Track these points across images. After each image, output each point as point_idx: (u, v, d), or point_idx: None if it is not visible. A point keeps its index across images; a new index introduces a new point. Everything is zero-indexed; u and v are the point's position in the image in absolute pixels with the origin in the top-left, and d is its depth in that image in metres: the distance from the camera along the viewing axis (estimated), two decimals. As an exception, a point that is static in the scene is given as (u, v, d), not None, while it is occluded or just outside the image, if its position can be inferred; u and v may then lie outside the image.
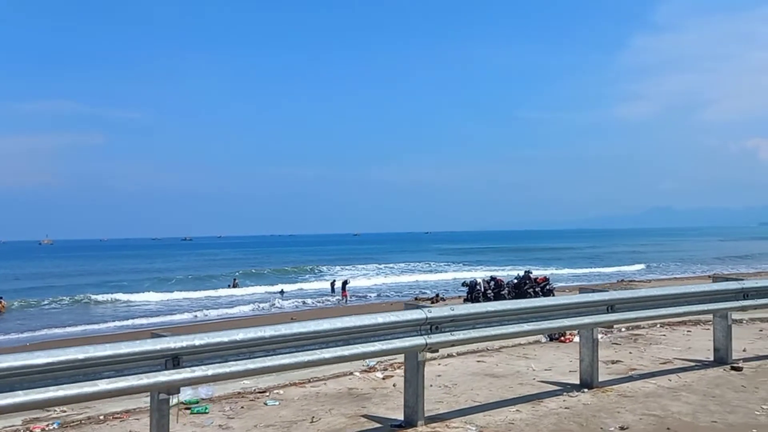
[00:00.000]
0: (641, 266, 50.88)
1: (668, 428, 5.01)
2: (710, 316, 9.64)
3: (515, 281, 23.87)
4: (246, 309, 30.35)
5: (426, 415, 5.28)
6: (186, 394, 5.89)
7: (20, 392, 3.34)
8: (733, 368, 6.95)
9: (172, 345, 3.83)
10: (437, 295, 29.39)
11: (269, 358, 4.20)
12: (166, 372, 3.83)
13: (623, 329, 9.59)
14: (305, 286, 43.04)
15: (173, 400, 4.68)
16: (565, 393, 6.05)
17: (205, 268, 61.37)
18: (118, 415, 5.52)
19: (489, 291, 23.99)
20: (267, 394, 6.20)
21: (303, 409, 5.67)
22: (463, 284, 25.67)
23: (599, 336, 8.81)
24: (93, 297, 35.68)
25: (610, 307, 6.10)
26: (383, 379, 6.79)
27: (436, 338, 4.99)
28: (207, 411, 5.59)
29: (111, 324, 25.83)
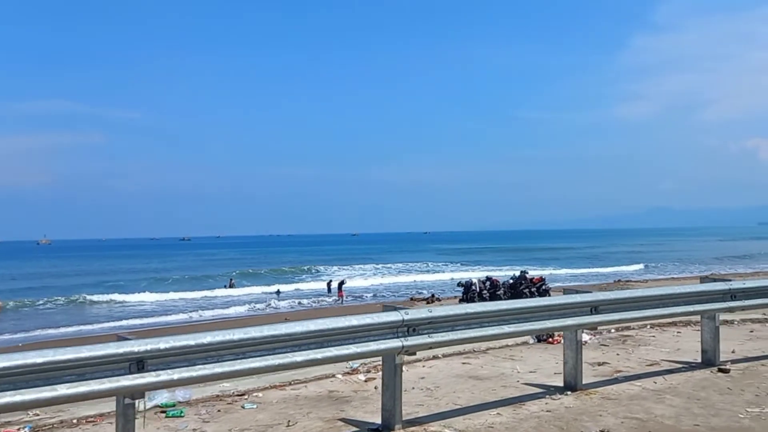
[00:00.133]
0: (640, 266, 50.85)
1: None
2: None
3: (511, 281, 23.82)
4: (242, 309, 30.26)
5: (405, 418, 5.19)
6: (162, 397, 5.81)
7: (-25, 397, 3.25)
8: (720, 370, 6.87)
9: (136, 348, 3.74)
10: (433, 296, 29.31)
11: (239, 361, 4.11)
12: (129, 376, 3.74)
13: (612, 330, 9.52)
14: (302, 286, 42.96)
15: (140, 405, 4.59)
16: (548, 396, 5.96)
17: (202, 269, 61.26)
18: (92, 419, 5.43)
19: (485, 291, 23.89)
20: (246, 397, 6.11)
21: (280, 412, 5.58)
22: (459, 284, 25.59)
23: (587, 337, 8.77)
24: (88, 297, 35.59)
25: (594, 308, 6.01)
26: (365, 381, 6.70)
27: (413, 341, 4.90)
28: (182, 414, 5.50)
29: (105, 324, 25.73)
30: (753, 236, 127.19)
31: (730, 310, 7.08)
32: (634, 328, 9.64)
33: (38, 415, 5.52)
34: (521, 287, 23.22)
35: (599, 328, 9.18)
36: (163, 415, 5.52)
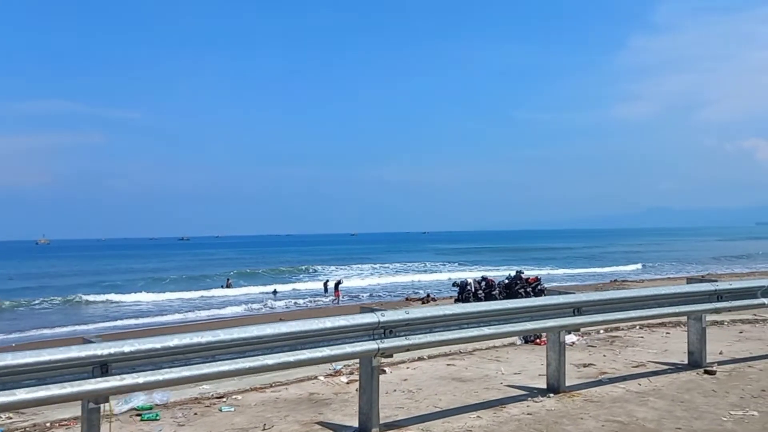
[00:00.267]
0: (637, 266, 50.80)
1: (629, 435, 4.86)
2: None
3: (506, 281, 23.75)
4: (238, 309, 30.19)
5: (384, 421, 5.13)
6: (139, 399, 5.74)
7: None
8: (706, 372, 6.79)
9: (99, 352, 3.66)
10: (428, 296, 29.25)
11: (207, 365, 4.03)
12: (92, 380, 3.66)
13: (601, 331, 9.45)
14: (299, 286, 42.90)
15: (116, 409, 4.52)
16: (530, 398, 5.89)
17: (200, 268, 61.17)
18: (66, 422, 5.35)
19: (480, 291, 23.84)
20: (224, 399, 6.04)
21: (258, 415, 5.51)
22: (454, 284, 25.53)
23: (575, 339, 8.70)
24: (84, 297, 35.54)
25: (577, 309, 5.94)
26: (347, 383, 6.63)
27: (389, 343, 4.82)
28: (158, 418, 5.42)
29: (99, 325, 25.68)
30: (751, 236, 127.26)
31: (717, 311, 7.00)
32: (622, 329, 9.57)
33: (11, 418, 5.45)
34: (516, 287, 23.15)
35: (588, 329, 9.12)
36: (139, 418, 5.45)
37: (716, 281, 7.08)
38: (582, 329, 8.97)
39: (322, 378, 6.81)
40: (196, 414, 5.57)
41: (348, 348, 4.64)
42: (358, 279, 47.00)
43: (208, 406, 5.82)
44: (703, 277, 7.44)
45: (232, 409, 5.69)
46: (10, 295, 37.61)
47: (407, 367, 7.35)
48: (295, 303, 32.16)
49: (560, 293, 6.03)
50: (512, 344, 8.62)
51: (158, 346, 3.84)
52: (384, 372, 7.05)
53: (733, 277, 33.24)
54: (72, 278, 52.23)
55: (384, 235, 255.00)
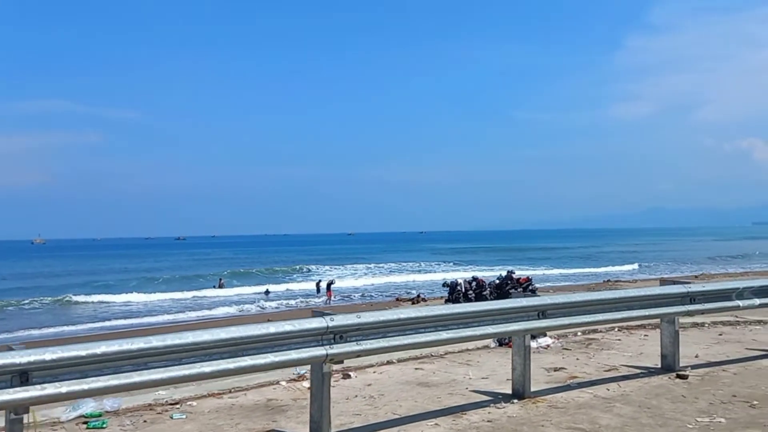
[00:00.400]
0: (634, 266, 50.65)
1: (589, 444, 4.69)
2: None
3: (497, 281, 23.58)
4: (229, 310, 29.99)
5: (336, 430, 4.96)
6: (88, 406, 5.55)
7: None
8: (678, 376, 6.62)
9: (18, 360, 3.48)
10: (418, 296, 29.10)
11: (138, 373, 3.85)
12: (11, 390, 3.48)
13: (578, 333, 9.27)
14: (292, 286, 42.73)
15: (69, 416, 4.33)
16: (493, 404, 5.72)
17: (194, 268, 60.95)
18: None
19: (470, 292, 23.65)
20: (178, 406, 5.85)
21: (209, 423, 5.32)
22: (444, 285, 25.28)
23: (550, 341, 8.54)
24: (74, 298, 35.32)
25: (542, 312, 5.77)
26: (309, 389, 6.43)
27: (338, 349, 4.64)
28: (104, 426, 5.23)
29: (87, 325, 25.48)
30: (747, 236, 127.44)
31: (689, 313, 6.84)
32: (600, 331, 9.41)
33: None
34: (507, 287, 23.00)
35: (564, 331, 8.96)
36: (85, 426, 5.26)
37: (689, 283, 6.91)
38: (558, 332, 8.82)
39: (284, 383, 6.63)
40: (145, 421, 5.39)
41: (294, 354, 4.46)
42: (352, 279, 46.82)
43: (159, 413, 5.63)
44: (675, 279, 7.28)
45: (184, 417, 5.50)
46: (1, 295, 37.40)
47: (374, 372, 7.17)
48: (286, 304, 31.99)
49: (525, 296, 5.85)
50: (486, 347, 8.45)
51: (83, 353, 3.66)
52: (349, 377, 6.89)
53: (727, 277, 33.12)
54: (65, 278, 52.00)
55: (381, 234, 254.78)
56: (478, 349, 8.37)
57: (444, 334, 5.17)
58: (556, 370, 7.10)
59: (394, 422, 5.27)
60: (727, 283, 7.32)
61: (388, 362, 7.58)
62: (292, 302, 32.55)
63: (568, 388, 6.28)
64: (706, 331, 9.58)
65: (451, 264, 60.72)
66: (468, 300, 22.19)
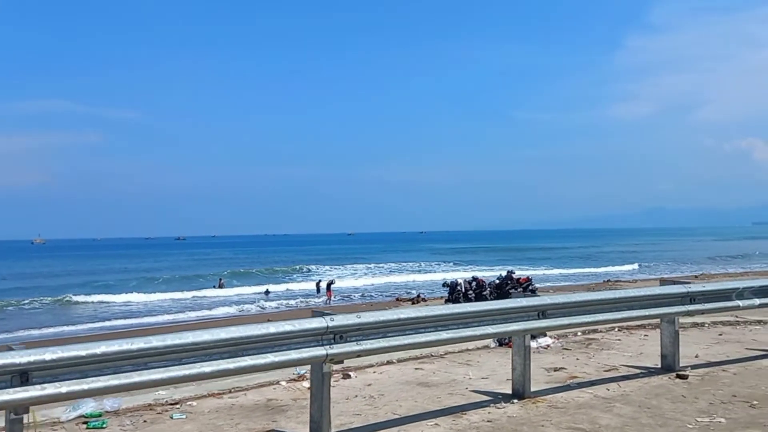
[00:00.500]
0: (634, 266, 50.59)
1: (589, 444, 4.69)
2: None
3: (497, 281, 23.57)
4: (229, 310, 29.98)
5: (336, 429, 4.96)
6: (89, 406, 5.55)
7: None
8: (678, 376, 6.62)
9: (18, 360, 3.48)
10: (419, 296, 29.11)
11: (138, 373, 3.85)
12: (11, 390, 3.48)
13: (579, 333, 9.27)
14: (292, 286, 42.72)
15: (69, 416, 4.33)
16: (493, 404, 5.71)
17: (193, 268, 60.93)
18: None
19: (470, 292, 23.65)
20: (178, 406, 5.85)
21: (209, 423, 5.32)
22: (444, 285, 25.30)
23: (550, 341, 8.54)
24: (74, 298, 35.31)
25: (542, 312, 5.77)
26: (309, 389, 6.43)
27: (339, 349, 4.64)
28: (104, 426, 5.23)
29: (87, 326, 25.47)
30: (748, 236, 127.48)
31: (689, 313, 6.84)
32: (600, 331, 9.41)
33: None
34: (507, 287, 23.00)
35: (564, 331, 8.96)
36: (85, 426, 5.26)
37: (689, 283, 6.90)
38: (558, 332, 8.82)
39: (284, 383, 6.62)
40: (145, 421, 5.39)
41: (294, 354, 4.46)
42: (352, 279, 46.82)
43: (159, 413, 5.63)
44: (675, 279, 7.28)
45: (184, 417, 5.50)
46: (1, 295, 37.39)
47: (374, 372, 7.17)
48: (286, 304, 31.98)
49: (525, 296, 5.85)
50: (486, 347, 8.45)
51: (83, 353, 3.66)
52: (349, 377, 6.89)
53: (727, 277, 33.11)
54: (65, 278, 52.00)
55: (381, 235, 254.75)
56: (478, 349, 8.37)
57: (444, 334, 5.17)
58: (556, 370, 7.10)
59: (394, 422, 5.26)
60: (727, 283, 7.32)
61: (388, 362, 7.58)
62: (292, 302, 32.53)
63: (568, 388, 6.28)
64: (706, 331, 9.58)
65: (451, 264, 60.71)
66: (468, 300, 22.17)
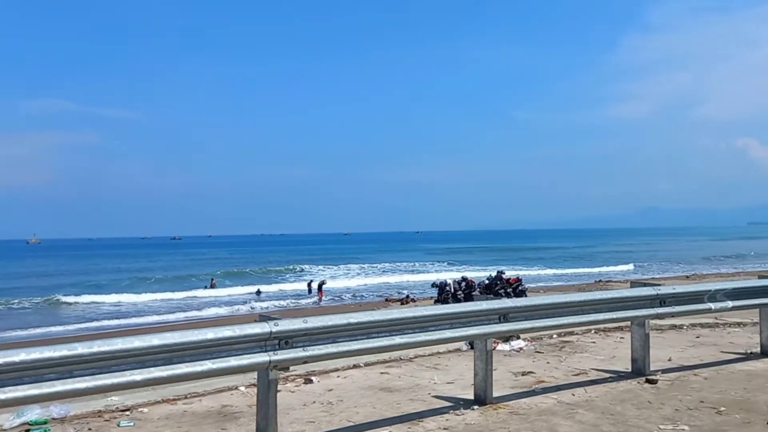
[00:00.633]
0: (629, 266, 50.42)
1: (544, 453, 4.53)
2: (655, 322, 9.24)
3: (486, 282, 23.43)
4: (220, 311, 29.75)
5: (285, 438, 4.79)
6: (34, 413, 5.37)
7: None
8: (647, 381, 6.46)
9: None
10: (408, 296, 28.90)
11: (61, 382, 3.66)
12: None
13: (554, 336, 9.12)
14: (285, 286, 42.48)
15: (6, 423, 4.14)
16: (452, 411, 5.55)
17: (187, 268, 60.63)
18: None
19: (459, 292, 23.53)
20: (128, 413, 5.67)
21: (156, 431, 5.15)
22: (433, 285, 25.20)
23: (523, 344, 8.38)
24: (63, 298, 35.01)
25: (503, 316, 5.60)
26: (267, 394, 6.26)
27: (283, 355, 4.46)
28: (47, 434, 5.06)
29: (73, 326, 25.23)
30: (743, 236, 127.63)
31: (659, 316, 6.68)
32: (576, 334, 9.25)
33: None
34: (497, 288, 22.89)
35: (539, 333, 8.81)
36: (27, 434, 5.09)
37: (659, 285, 6.74)
38: (532, 334, 8.67)
39: (242, 388, 6.45)
40: (90, 429, 5.21)
41: (233, 361, 4.28)
42: (345, 279, 46.62)
43: (107, 420, 5.45)
44: (644, 281, 7.12)
45: (131, 424, 5.32)
46: (-10, 294, 37.14)
47: (338, 376, 7.00)
48: (275, 305, 31.77)
49: (487, 299, 5.68)
50: (458, 350, 8.29)
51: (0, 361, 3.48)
52: (311, 381, 6.72)
53: (719, 278, 32.99)
54: (57, 278, 51.73)
55: (377, 234, 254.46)
56: (449, 352, 8.21)
57: (398, 339, 5.00)
58: (523, 374, 6.93)
59: (348, 430, 5.10)
60: (699, 285, 7.17)
61: (355, 366, 7.41)
62: (283, 303, 32.32)
63: (532, 393, 6.11)
64: (684, 333, 9.43)
65: (445, 264, 60.54)
66: (457, 300, 22.10)
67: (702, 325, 9.83)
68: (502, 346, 8.35)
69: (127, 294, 37.23)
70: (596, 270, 48.44)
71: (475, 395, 5.80)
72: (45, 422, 5.33)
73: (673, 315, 6.83)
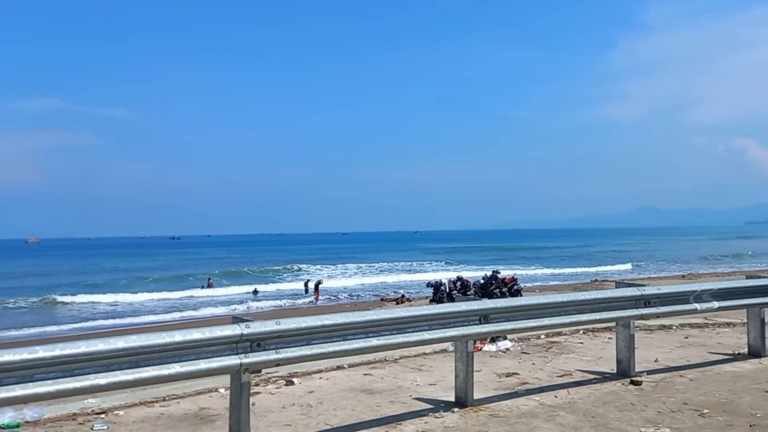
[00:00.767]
0: (627, 266, 50.31)
1: (520, 457, 4.45)
2: (645, 322, 9.17)
3: (482, 281, 23.36)
4: (217, 311, 29.63)
5: (259, 442, 4.71)
6: (6, 416, 5.29)
7: None
8: (632, 382, 6.38)
9: None
10: (403, 296, 28.82)
11: (20, 386, 3.58)
12: None
13: (542, 336, 9.05)
14: (282, 286, 42.37)
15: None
16: (432, 413, 5.47)
17: (185, 268, 60.52)
18: None
19: (454, 291, 23.45)
20: (103, 415, 5.59)
21: (129, 434, 5.07)
22: (428, 285, 25.04)
23: (510, 344, 8.31)
24: (59, 298, 34.90)
25: (484, 317, 5.52)
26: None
27: (255, 357, 4.38)
28: (17, 437, 4.98)
29: (68, 326, 25.14)
30: (741, 235, 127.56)
31: (643, 317, 6.60)
32: (564, 334, 9.18)
33: None
34: (492, 287, 22.81)
35: (527, 334, 8.74)
36: (-2, 437, 5.01)
37: (644, 286, 6.67)
38: (519, 335, 8.60)
39: (222, 390, 6.35)
40: (62, 433, 5.13)
41: (203, 364, 4.20)
42: (343, 279, 46.54)
43: (81, 423, 5.37)
44: (631, 281, 7.05)
45: (106, 428, 5.24)
46: (-12, 295, 37.04)
47: (320, 377, 6.92)
48: (272, 304, 31.69)
49: (468, 299, 5.61)
50: (444, 351, 8.20)
51: (-44, 365, 3.39)
52: (292, 383, 6.64)
53: (714, 277, 32.92)
54: (54, 278, 51.64)
55: (376, 234, 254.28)
56: (435, 353, 8.13)
57: (374, 341, 4.92)
58: (507, 375, 6.86)
59: (323, 433, 5.03)
60: (684, 286, 7.09)
61: (338, 367, 7.34)
62: (279, 302, 32.25)
63: (515, 395, 6.04)
64: (673, 333, 9.36)
65: (443, 263, 60.51)
66: (452, 300, 22.01)
67: (692, 326, 9.76)
68: (488, 347, 8.28)
69: (123, 294, 37.13)
70: (593, 269, 48.36)
71: (455, 397, 5.72)
72: (18, 426, 5.25)
73: (657, 316, 6.75)
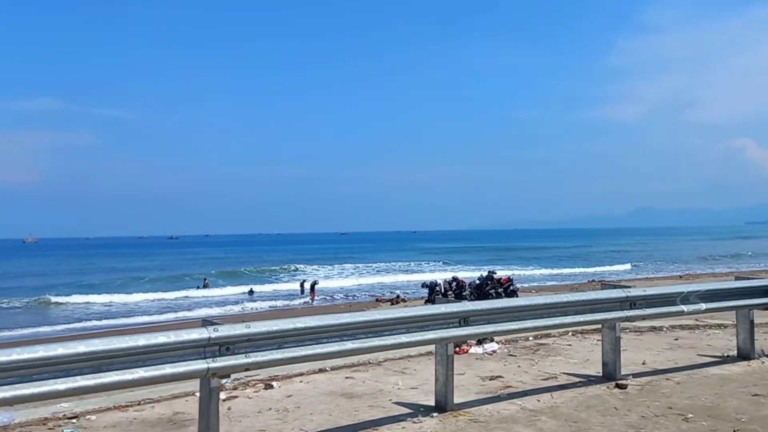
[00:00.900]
0: (626, 266, 50.15)
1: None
2: (635, 324, 9.06)
3: (477, 282, 23.25)
4: (212, 311, 29.50)
5: (230, 448, 4.59)
6: (-26, 421, 5.17)
7: None
8: (617, 385, 6.26)
9: None
10: (398, 296, 28.72)
11: (-23, 391, 3.47)
12: None
13: (530, 338, 8.94)
14: (278, 286, 42.27)
15: None
16: (411, 418, 5.35)
17: (182, 268, 60.37)
18: None
19: (450, 292, 23.33)
20: (75, 420, 5.47)
21: (99, 440, 4.96)
22: (423, 285, 24.96)
23: (497, 347, 8.20)
24: (53, 298, 34.78)
25: (464, 319, 5.40)
26: (224, 400, 6.06)
27: (223, 362, 4.27)
28: (-17, 443, 4.86)
29: (61, 327, 25.02)
30: (740, 235, 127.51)
31: (629, 319, 6.48)
32: (553, 336, 9.06)
33: None
34: (488, 288, 22.70)
35: (515, 335, 8.63)
36: (-37, 443, 4.89)
37: (629, 287, 6.55)
38: (506, 337, 8.49)
39: (198, 394, 6.23)
40: (31, 438, 5.02)
41: (168, 369, 4.08)
42: (339, 279, 46.43)
43: (51, 429, 5.25)
44: (617, 282, 6.94)
45: (75, 432, 5.13)
46: (-21, 294, 36.89)
47: (301, 381, 6.80)
48: (268, 305, 31.56)
49: (449, 301, 5.50)
50: (429, 353, 8.07)
51: None
52: (271, 387, 6.52)
53: (712, 278, 32.80)
54: (51, 277, 51.51)
55: (374, 234, 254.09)
56: (420, 355, 8.00)
57: (349, 345, 4.80)
58: (491, 378, 6.74)
59: (297, 439, 4.91)
60: (671, 287, 6.96)
61: (320, 370, 7.23)
62: (274, 303, 32.12)
63: (497, 399, 5.92)
64: (663, 335, 9.25)
65: (440, 263, 60.39)
66: (447, 300, 21.91)
67: (682, 327, 9.65)
68: (474, 349, 8.18)
69: (118, 294, 37.02)
70: (591, 270, 48.24)
71: (435, 402, 5.61)
72: (-14, 431, 5.14)
73: (643, 318, 6.64)
